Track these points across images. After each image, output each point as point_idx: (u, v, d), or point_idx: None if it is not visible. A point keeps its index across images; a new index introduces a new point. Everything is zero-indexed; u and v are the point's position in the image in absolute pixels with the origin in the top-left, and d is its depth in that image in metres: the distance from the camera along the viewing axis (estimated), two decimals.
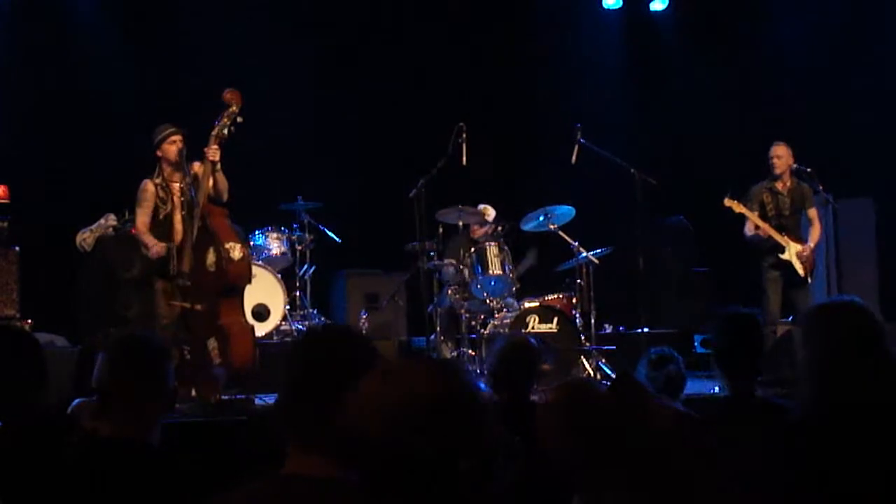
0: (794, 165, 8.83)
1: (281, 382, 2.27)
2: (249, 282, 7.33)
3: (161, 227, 7.16)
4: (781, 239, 8.67)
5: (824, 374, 3.03)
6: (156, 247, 7.04)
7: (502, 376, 4.63)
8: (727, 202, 8.63)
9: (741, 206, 8.64)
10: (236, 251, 7.01)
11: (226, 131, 7.03)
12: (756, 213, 8.72)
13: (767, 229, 8.65)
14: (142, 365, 3.01)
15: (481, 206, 9.41)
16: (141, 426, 2.96)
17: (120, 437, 2.93)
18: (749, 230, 8.73)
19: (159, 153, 7.17)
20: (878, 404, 2.95)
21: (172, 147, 7.12)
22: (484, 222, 9.35)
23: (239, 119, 7.06)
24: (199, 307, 6.94)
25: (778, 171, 8.80)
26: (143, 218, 7.21)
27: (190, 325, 6.98)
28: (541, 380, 7.93)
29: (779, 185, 8.85)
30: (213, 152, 7.03)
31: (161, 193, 7.18)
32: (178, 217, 7.15)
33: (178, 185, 7.17)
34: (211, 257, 7.00)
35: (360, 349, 2.28)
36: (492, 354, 4.97)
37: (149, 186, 7.19)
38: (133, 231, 8.34)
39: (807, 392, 3.11)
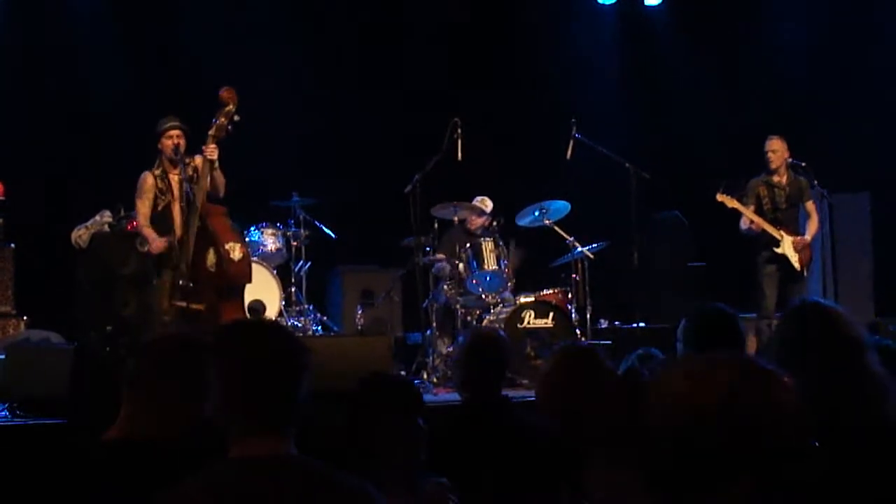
0: (790, 159, 8.85)
1: (217, 376, 2.41)
2: (250, 281, 7.39)
3: (160, 218, 7.20)
4: (776, 232, 8.68)
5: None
6: (156, 241, 7.07)
7: (468, 372, 4.53)
8: (719, 197, 8.64)
9: (733, 201, 8.65)
10: (236, 251, 7.08)
11: (223, 131, 7.09)
12: (751, 208, 8.73)
13: (761, 223, 8.65)
14: (174, 363, 2.97)
15: (479, 198, 9.42)
16: (169, 425, 2.92)
17: (127, 439, 2.89)
18: (744, 224, 8.74)
19: (159, 146, 7.22)
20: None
21: (168, 142, 7.18)
22: (482, 213, 9.35)
23: (236, 117, 7.12)
24: (198, 307, 6.96)
25: (774, 166, 8.81)
26: (143, 210, 7.25)
27: (190, 324, 6.97)
28: (535, 375, 7.97)
29: (775, 179, 8.86)
30: (212, 151, 7.08)
31: (160, 185, 7.23)
32: (176, 209, 7.18)
33: (176, 177, 7.21)
34: (211, 258, 7.04)
35: (276, 338, 2.44)
36: (458, 348, 4.86)
37: (148, 178, 7.24)
38: (133, 223, 8.37)
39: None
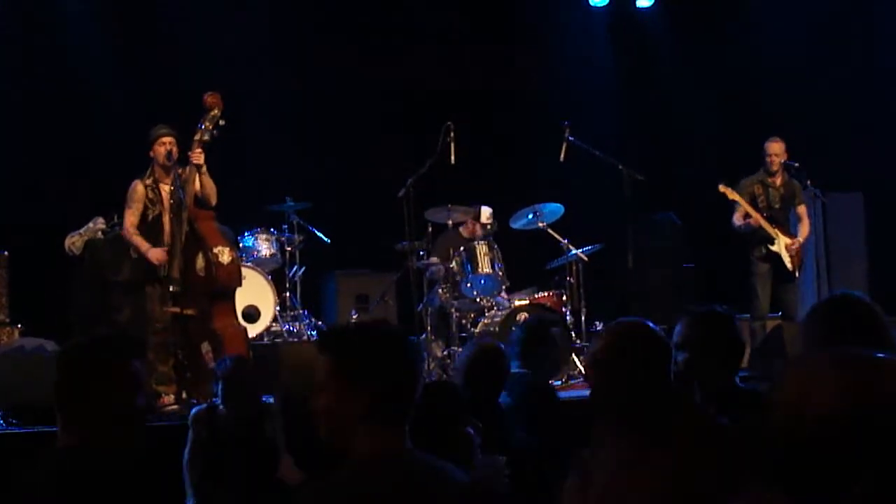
0: (785, 161, 8.88)
1: (341, 378, 2.45)
2: (240, 284, 7.39)
3: (150, 229, 7.18)
4: (772, 230, 8.70)
5: None
6: (150, 251, 7.04)
7: (473, 379, 4.65)
8: (721, 188, 8.68)
9: (734, 194, 8.68)
10: (225, 255, 7.08)
11: (208, 135, 7.07)
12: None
13: (759, 219, 8.67)
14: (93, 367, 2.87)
15: (484, 209, 9.34)
16: (97, 434, 2.83)
17: (75, 447, 2.81)
18: (738, 220, 8.76)
19: (151, 154, 7.21)
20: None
21: (161, 149, 7.17)
22: (477, 220, 9.33)
23: (221, 122, 7.10)
24: (190, 312, 6.96)
25: (775, 168, 8.84)
26: (131, 219, 7.21)
27: (183, 328, 6.97)
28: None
29: (770, 179, 8.89)
30: (197, 156, 7.07)
31: (150, 195, 7.20)
32: (166, 219, 7.17)
33: (168, 187, 7.19)
34: (200, 262, 7.04)
35: (396, 338, 2.54)
36: (462, 358, 5.01)
37: (138, 187, 7.21)
38: (121, 232, 8.36)
39: None
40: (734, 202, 8.76)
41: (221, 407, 5.32)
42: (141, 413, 2.95)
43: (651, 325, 3.18)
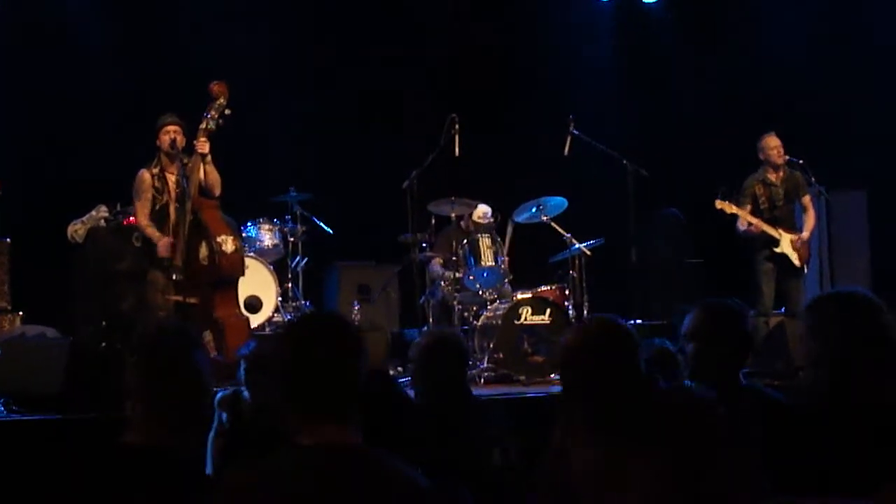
0: (786, 156, 8.86)
1: (282, 367, 2.42)
2: (243, 274, 7.40)
3: (157, 217, 7.20)
4: (775, 232, 8.67)
5: (842, 365, 2.97)
6: (161, 240, 7.05)
7: (428, 370, 4.48)
8: (719, 204, 8.62)
9: (732, 207, 8.64)
10: (228, 244, 7.09)
11: (213, 124, 7.08)
12: (748, 208, 8.72)
13: (760, 224, 8.65)
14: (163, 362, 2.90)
15: (481, 207, 9.31)
16: (172, 433, 2.84)
17: (149, 446, 2.81)
18: (742, 225, 8.73)
19: (157, 142, 7.22)
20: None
21: (165, 137, 7.19)
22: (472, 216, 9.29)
23: (227, 111, 7.13)
24: (193, 301, 6.96)
25: (781, 161, 8.80)
26: (143, 210, 7.24)
27: (185, 317, 6.97)
28: (534, 371, 7.98)
29: (772, 177, 8.85)
30: (202, 145, 7.10)
31: (157, 184, 7.22)
32: (172, 209, 7.18)
33: (174, 176, 7.20)
34: (204, 251, 7.05)
35: (337, 327, 2.49)
36: (415, 348, 4.62)
37: (145, 177, 7.23)
38: (126, 222, 8.36)
39: (820, 382, 3.06)
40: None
41: (246, 393, 5.25)
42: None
43: (620, 320, 3.15)
